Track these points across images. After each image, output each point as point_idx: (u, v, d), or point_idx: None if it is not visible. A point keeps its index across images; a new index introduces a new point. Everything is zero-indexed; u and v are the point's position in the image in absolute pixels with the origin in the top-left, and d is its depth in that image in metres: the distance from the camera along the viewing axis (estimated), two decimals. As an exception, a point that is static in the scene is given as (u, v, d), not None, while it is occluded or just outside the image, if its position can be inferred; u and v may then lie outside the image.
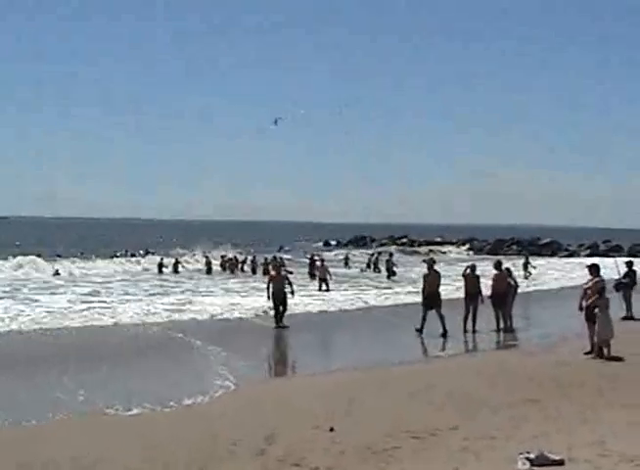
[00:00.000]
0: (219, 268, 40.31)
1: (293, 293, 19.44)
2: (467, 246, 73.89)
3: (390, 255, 39.38)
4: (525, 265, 37.58)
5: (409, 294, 26.37)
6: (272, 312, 18.96)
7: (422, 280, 17.94)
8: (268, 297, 18.92)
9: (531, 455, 6.77)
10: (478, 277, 18.29)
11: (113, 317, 19.53)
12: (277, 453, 7.44)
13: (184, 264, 41.87)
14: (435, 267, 18.06)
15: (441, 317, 16.99)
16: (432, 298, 17.21)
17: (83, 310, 20.87)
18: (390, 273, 36.33)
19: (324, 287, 28.74)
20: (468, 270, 18.64)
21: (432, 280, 17.50)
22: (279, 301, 18.78)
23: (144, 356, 14.52)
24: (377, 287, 31.12)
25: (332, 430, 8.33)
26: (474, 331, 17.60)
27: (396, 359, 14.42)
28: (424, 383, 11.24)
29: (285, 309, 18.86)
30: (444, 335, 16.75)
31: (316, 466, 7.02)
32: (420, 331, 17.05)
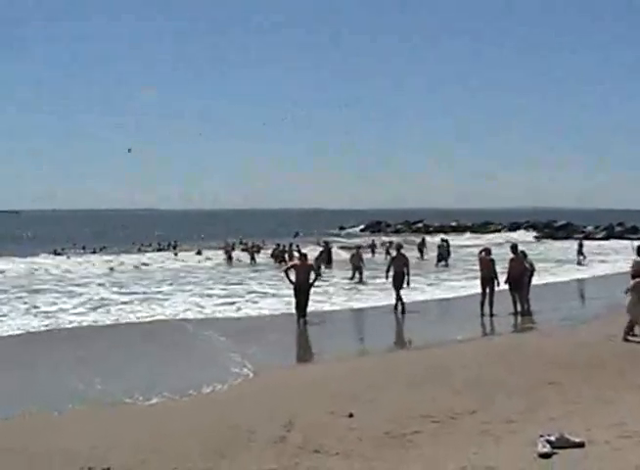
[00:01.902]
0: (242, 254, 40.38)
1: (315, 279, 17.73)
2: (526, 229, 71.40)
3: (443, 240, 36.91)
4: (580, 249, 36.21)
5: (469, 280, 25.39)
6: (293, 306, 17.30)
7: (390, 262, 19.82)
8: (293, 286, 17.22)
9: (552, 438, 6.73)
10: (493, 261, 18.22)
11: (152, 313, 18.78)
12: (296, 440, 7.45)
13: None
14: (402, 251, 19.83)
15: (400, 297, 18.80)
16: (398, 278, 18.87)
17: (126, 303, 20.82)
18: (441, 259, 34.69)
19: (357, 276, 26.87)
20: (483, 253, 18.62)
21: (398, 262, 19.10)
22: (302, 293, 17.07)
23: (168, 349, 14.51)
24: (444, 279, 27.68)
25: (351, 416, 8.32)
26: (491, 315, 17.55)
27: (414, 344, 14.41)
28: (442, 367, 11.21)
29: (307, 303, 17.18)
30: (403, 311, 18.46)
31: (336, 452, 7.02)
32: (395, 308, 18.71)
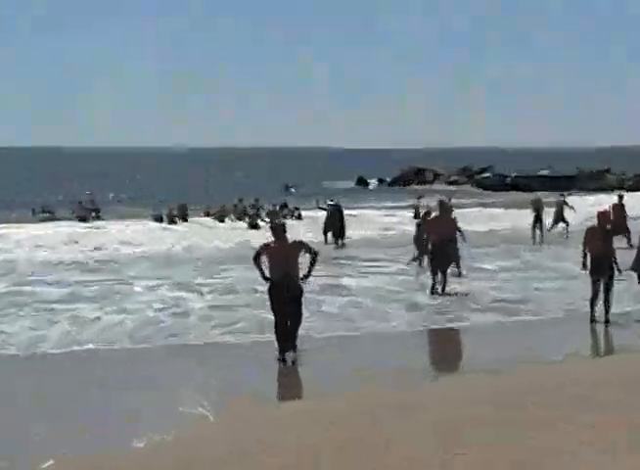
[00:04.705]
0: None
1: (311, 268, 9.91)
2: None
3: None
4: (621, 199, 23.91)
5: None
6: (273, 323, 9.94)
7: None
8: (266, 279, 9.94)
9: None
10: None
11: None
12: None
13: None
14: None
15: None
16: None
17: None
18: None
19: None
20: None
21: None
22: (282, 300, 9.60)
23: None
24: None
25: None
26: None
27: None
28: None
29: (298, 321, 9.77)
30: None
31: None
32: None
